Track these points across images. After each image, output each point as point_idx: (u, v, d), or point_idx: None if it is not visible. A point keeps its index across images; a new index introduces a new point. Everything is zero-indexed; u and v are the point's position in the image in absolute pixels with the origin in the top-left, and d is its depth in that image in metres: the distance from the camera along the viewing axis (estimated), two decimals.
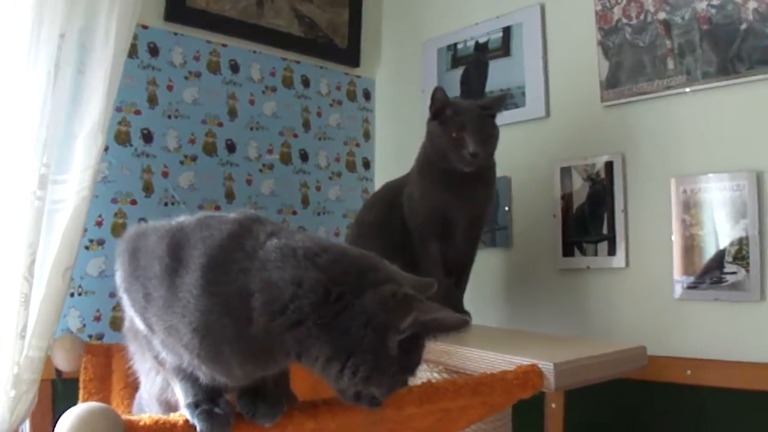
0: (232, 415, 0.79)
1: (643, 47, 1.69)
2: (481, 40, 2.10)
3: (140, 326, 0.82)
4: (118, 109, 1.78)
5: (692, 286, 1.56)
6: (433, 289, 0.84)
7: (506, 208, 1.98)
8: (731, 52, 1.52)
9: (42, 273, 1.33)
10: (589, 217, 1.79)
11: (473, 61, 2.12)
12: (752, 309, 1.48)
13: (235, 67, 2.07)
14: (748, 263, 1.48)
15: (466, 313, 1.55)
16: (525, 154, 1.93)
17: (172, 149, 1.91)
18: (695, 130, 1.60)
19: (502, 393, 1.04)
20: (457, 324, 0.76)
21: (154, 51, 1.90)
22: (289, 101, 2.20)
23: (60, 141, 1.38)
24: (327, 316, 0.72)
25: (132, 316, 0.84)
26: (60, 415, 0.69)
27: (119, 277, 0.84)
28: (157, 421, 0.76)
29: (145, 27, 1.86)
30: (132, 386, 1.13)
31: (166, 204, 1.88)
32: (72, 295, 1.66)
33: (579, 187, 1.81)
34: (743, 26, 1.51)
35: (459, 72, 2.16)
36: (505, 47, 2.03)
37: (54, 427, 0.69)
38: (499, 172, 1.63)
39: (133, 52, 1.82)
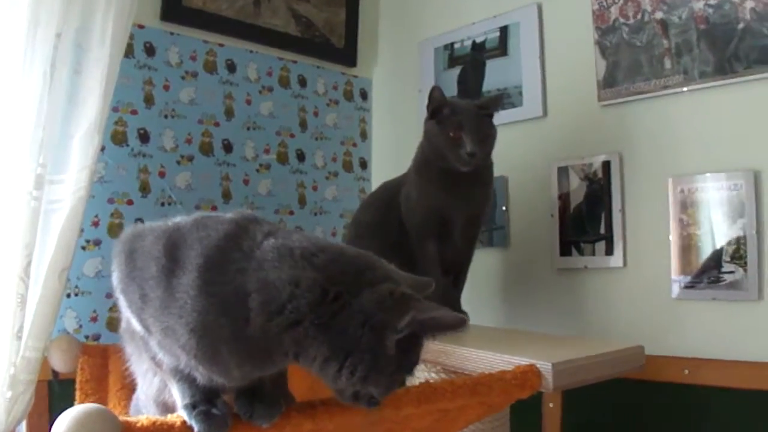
0: (229, 415, 0.79)
1: (640, 47, 1.69)
2: (478, 40, 2.10)
3: (137, 327, 0.82)
4: (115, 109, 1.78)
5: (690, 286, 1.56)
6: (431, 288, 0.84)
7: (503, 208, 1.98)
8: (728, 51, 1.52)
9: (38, 273, 1.32)
10: (586, 217, 1.79)
11: (470, 61, 2.12)
12: (750, 308, 1.48)
13: (231, 67, 2.07)
14: (745, 263, 1.48)
15: (464, 312, 1.54)
16: (522, 153, 1.93)
17: (169, 149, 1.91)
18: (693, 129, 1.60)
19: (501, 393, 1.04)
20: (455, 323, 0.76)
21: (150, 51, 1.89)
22: (285, 101, 2.20)
23: (56, 141, 1.37)
24: (324, 316, 0.72)
25: (129, 317, 0.84)
26: (57, 416, 0.69)
27: (116, 278, 0.84)
28: (154, 422, 0.75)
29: (141, 27, 1.86)
30: (129, 387, 1.13)
31: (162, 204, 1.87)
32: (68, 295, 1.65)
33: (576, 186, 1.81)
34: (740, 26, 1.51)
35: (456, 72, 2.16)
36: (502, 47, 2.03)
37: (51, 428, 0.69)
38: (497, 171, 1.63)
39: (129, 52, 1.81)
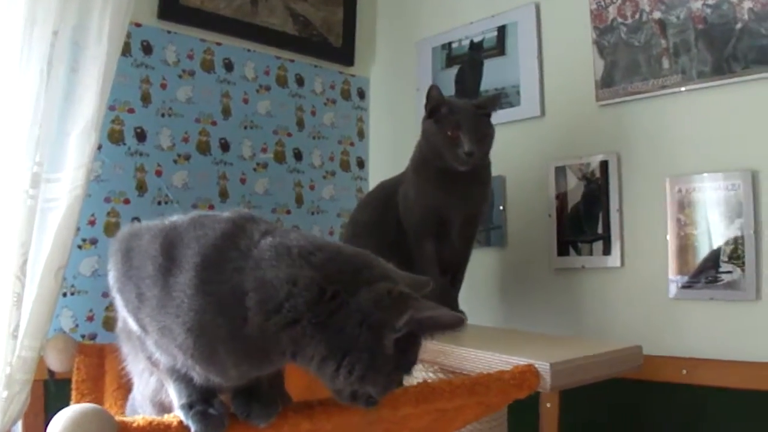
0: (226, 415, 0.78)
1: (638, 46, 1.69)
2: (476, 39, 2.10)
3: (133, 327, 0.82)
4: (112, 108, 1.77)
5: (687, 286, 1.56)
6: (429, 287, 0.84)
7: (501, 208, 1.98)
8: (726, 51, 1.53)
9: (34, 272, 1.32)
10: (584, 217, 1.79)
11: (468, 60, 2.12)
12: (747, 308, 1.48)
13: (229, 66, 2.07)
14: (743, 263, 1.48)
15: (462, 312, 1.54)
16: (520, 153, 1.93)
17: (166, 148, 1.90)
18: (690, 129, 1.60)
19: (499, 393, 1.04)
20: (453, 322, 0.76)
21: (147, 49, 1.89)
22: (283, 100, 2.20)
23: (53, 139, 1.37)
24: (322, 315, 0.72)
25: (125, 317, 0.83)
26: (52, 416, 0.68)
27: (112, 277, 0.83)
28: (150, 422, 0.75)
29: (138, 25, 1.86)
30: (125, 387, 1.12)
31: (159, 203, 1.87)
32: (65, 294, 1.64)
33: (574, 186, 1.81)
34: (738, 26, 1.51)
35: (454, 71, 2.16)
36: (499, 46, 2.03)
37: (46, 427, 0.68)
38: (494, 171, 1.63)
39: (126, 51, 1.81)
